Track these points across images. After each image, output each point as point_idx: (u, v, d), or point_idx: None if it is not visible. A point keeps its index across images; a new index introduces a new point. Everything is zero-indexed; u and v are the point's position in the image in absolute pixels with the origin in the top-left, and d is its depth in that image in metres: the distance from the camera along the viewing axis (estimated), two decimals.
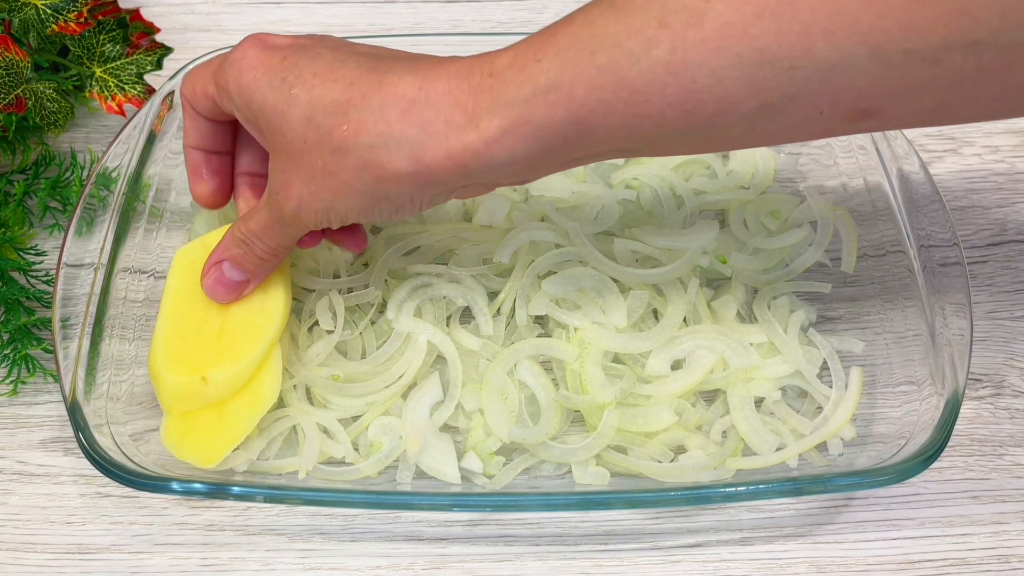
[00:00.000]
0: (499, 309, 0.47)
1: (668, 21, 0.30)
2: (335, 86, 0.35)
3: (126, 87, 0.52)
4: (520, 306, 0.46)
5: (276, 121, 0.36)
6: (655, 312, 0.47)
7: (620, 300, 0.46)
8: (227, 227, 0.43)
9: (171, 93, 0.49)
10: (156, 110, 0.48)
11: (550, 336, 0.46)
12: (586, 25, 0.32)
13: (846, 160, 0.52)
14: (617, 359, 0.46)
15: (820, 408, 0.45)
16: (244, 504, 0.44)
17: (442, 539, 0.43)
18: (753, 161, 0.52)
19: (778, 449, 0.43)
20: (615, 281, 0.47)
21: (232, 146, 0.44)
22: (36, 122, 0.49)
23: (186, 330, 0.43)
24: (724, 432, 0.44)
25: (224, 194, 0.44)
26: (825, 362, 0.46)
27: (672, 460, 0.43)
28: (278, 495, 0.39)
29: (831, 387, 0.45)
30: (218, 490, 0.39)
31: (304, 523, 0.43)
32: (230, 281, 0.42)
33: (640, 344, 0.45)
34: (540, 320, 0.47)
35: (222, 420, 0.42)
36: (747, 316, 0.47)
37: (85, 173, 0.52)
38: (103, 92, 0.52)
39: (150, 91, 0.52)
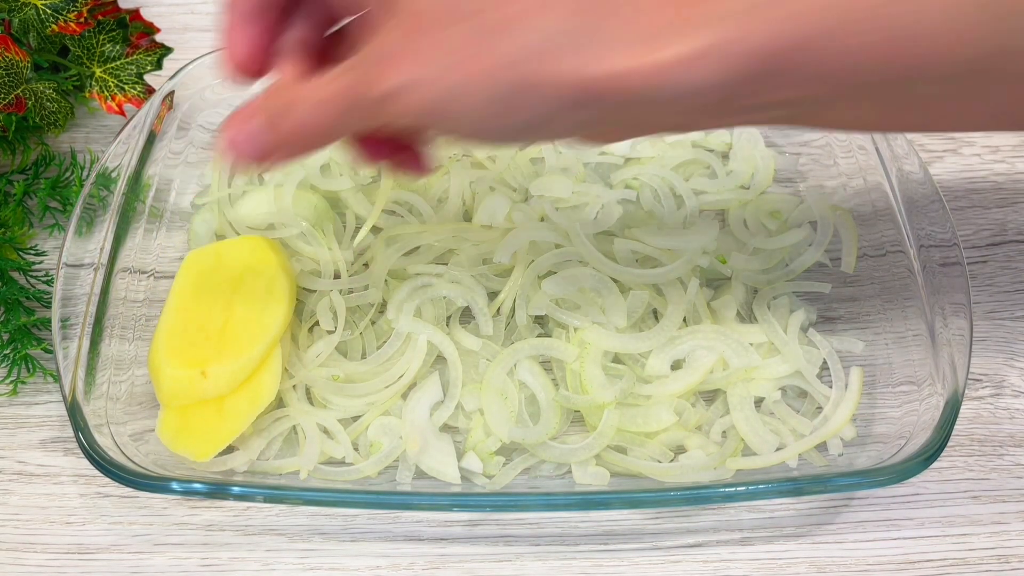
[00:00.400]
0: (499, 309, 0.47)
1: None
2: None
3: (126, 87, 0.52)
4: (520, 306, 0.46)
5: None
6: (655, 312, 0.47)
7: (620, 300, 0.46)
8: (247, 239, 0.42)
9: (171, 93, 0.49)
10: (156, 110, 0.48)
11: (550, 336, 0.46)
12: None
13: (846, 160, 0.52)
14: (617, 359, 0.46)
15: (820, 408, 0.45)
16: (244, 504, 0.44)
17: (442, 539, 0.43)
18: (753, 161, 0.52)
19: (778, 449, 0.43)
20: (615, 281, 0.47)
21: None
22: (36, 122, 0.49)
23: (188, 325, 0.43)
24: (724, 432, 0.44)
25: (264, 54, 0.33)
26: (825, 362, 0.46)
27: (672, 460, 0.43)
28: (278, 495, 0.39)
29: (831, 387, 0.45)
30: (218, 490, 0.39)
31: (304, 523, 0.43)
32: (251, 136, 0.32)
33: (640, 344, 0.45)
34: (540, 320, 0.47)
35: (219, 415, 0.42)
36: (747, 316, 0.47)
37: (85, 173, 0.52)
38: (103, 92, 0.52)
39: (150, 91, 0.52)
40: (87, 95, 0.52)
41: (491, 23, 0.27)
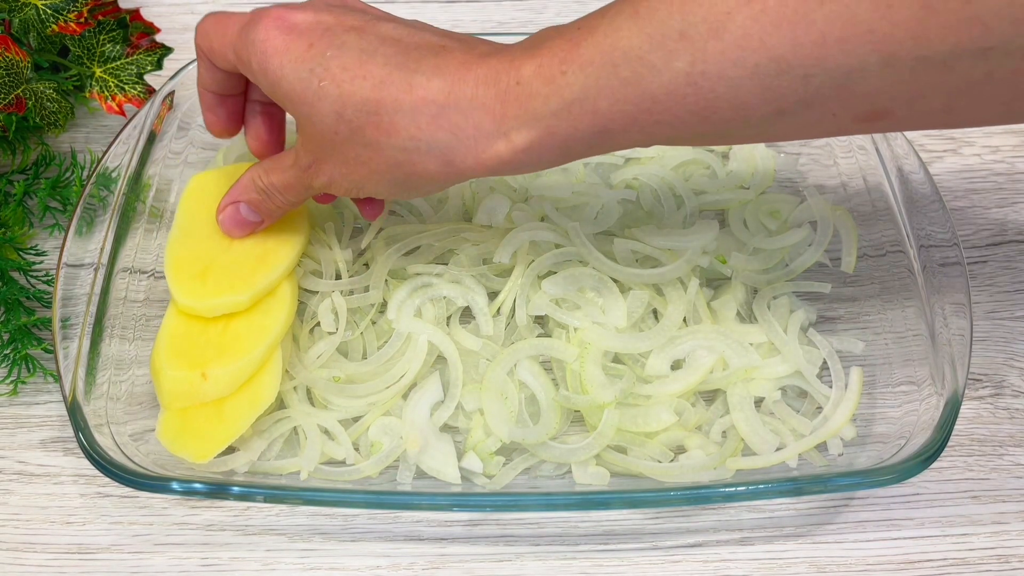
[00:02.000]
0: (499, 309, 0.47)
1: (689, 34, 0.31)
2: (364, 84, 0.35)
3: (126, 87, 0.52)
4: (520, 306, 0.46)
5: (305, 111, 0.37)
6: (655, 312, 0.47)
7: (620, 300, 0.46)
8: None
9: (171, 93, 0.49)
10: (156, 110, 0.49)
11: (550, 336, 0.46)
12: (609, 35, 0.32)
13: (846, 160, 0.52)
14: (617, 359, 0.46)
15: (820, 408, 0.45)
16: (244, 504, 0.44)
17: (442, 539, 0.43)
18: (753, 161, 0.52)
19: (778, 449, 0.43)
20: (615, 281, 0.47)
21: (245, 88, 0.44)
22: (36, 122, 0.49)
23: (191, 328, 0.43)
24: (724, 432, 0.44)
25: (236, 125, 0.45)
26: (825, 362, 0.46)
27: (672, 460, 0.43)
28: (278, 495, 0.39)
29: (831, 387, 0.45)
30: (218, 490, 0.39)
31: (304, 523, 0.43)
32: (244, 220, 0.44)
33: (640, 344, 0.45)
34: (540, 320, 0.47)
35: (219, 417, 0.42)
36: (747, 316, 0.47)
37: (85, 173, 0.52)
38: (103, 92, 0.52)
39: (150, 91, 0.52)
40: (87, 95, 0.52)
41: (369, 139, 0.36)
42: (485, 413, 0.43)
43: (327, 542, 0.43)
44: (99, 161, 0.46)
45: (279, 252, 0.44)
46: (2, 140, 0.50)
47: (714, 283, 0.49)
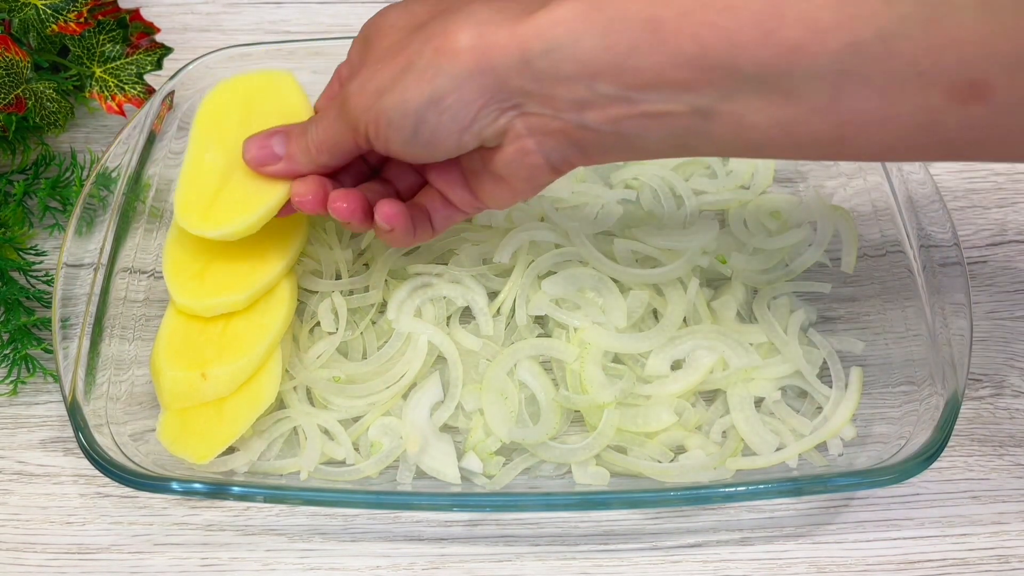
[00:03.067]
0: (499, 309, 0.47)
1: None
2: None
3: (126, 87, 0.52)
4: (520, 306, 0.46)
5: (378, 22, 0.38)
6: (655, 312, 0.47)
7: (620, 300, 0.46)
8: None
9: (171, 93, 0.49)
10: (156, 110, 0.49)
11: (550, 336, 0.46)
12: None
13: (847, 163, 0.52)
14: (617, 359, 0.46)
15: (820, 408, 0.45)
16: (244, 504, 0.44)
17: (442, 539, 0.43)
18: (753, 161, 0.52)
19: (778, 449, 0.43)
20: (615, 281, 0.47)
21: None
22: (36, 122, 0.49)
23: (190, 328, 0.43)
24: (724, 432, 0.44)
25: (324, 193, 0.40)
26: (825, 362, 0.46)
27: (672, 460, 0.43)
28: (278, 495, 0.39)
29: (831, 387, 0.45)
30: (218, 490, 0.39)
31: (304, 523, 0.43)
32: (270, 147, 0.40)
33: (640, 344, 0.45)
34: (540, 320, 0.47)
35: (219, 417, 0.42)
36: (747, 316, 0.47)
37: (85, 173, 0.52)
38: (103, 92, 0.52)
39: (150, 91, 0.52)
40: (87, 95, 0.52)
41: (418, 22, 0.35)
42: (485, 413, 0.43)
43: (327, 542, 0.43)
44: (99, 161, 0.46)
45: (277, 252, 0.44)
46: (2, 140, 0.50)
47: (714, 283, 0.49)
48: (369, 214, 0.39)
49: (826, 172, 0.53)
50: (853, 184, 0.52)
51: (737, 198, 0.51)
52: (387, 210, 0.38)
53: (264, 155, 0.40)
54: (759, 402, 0.45)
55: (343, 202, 0.38)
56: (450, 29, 0.32)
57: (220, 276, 0.43)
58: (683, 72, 0.30)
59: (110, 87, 0.52)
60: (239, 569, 0.42)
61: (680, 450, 0.44)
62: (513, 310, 0.46)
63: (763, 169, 0.52)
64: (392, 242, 0.40)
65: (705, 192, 0.51)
